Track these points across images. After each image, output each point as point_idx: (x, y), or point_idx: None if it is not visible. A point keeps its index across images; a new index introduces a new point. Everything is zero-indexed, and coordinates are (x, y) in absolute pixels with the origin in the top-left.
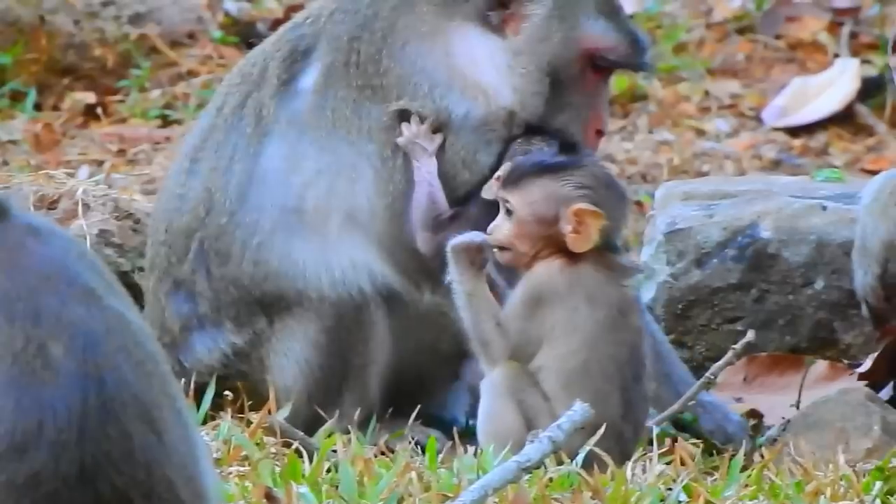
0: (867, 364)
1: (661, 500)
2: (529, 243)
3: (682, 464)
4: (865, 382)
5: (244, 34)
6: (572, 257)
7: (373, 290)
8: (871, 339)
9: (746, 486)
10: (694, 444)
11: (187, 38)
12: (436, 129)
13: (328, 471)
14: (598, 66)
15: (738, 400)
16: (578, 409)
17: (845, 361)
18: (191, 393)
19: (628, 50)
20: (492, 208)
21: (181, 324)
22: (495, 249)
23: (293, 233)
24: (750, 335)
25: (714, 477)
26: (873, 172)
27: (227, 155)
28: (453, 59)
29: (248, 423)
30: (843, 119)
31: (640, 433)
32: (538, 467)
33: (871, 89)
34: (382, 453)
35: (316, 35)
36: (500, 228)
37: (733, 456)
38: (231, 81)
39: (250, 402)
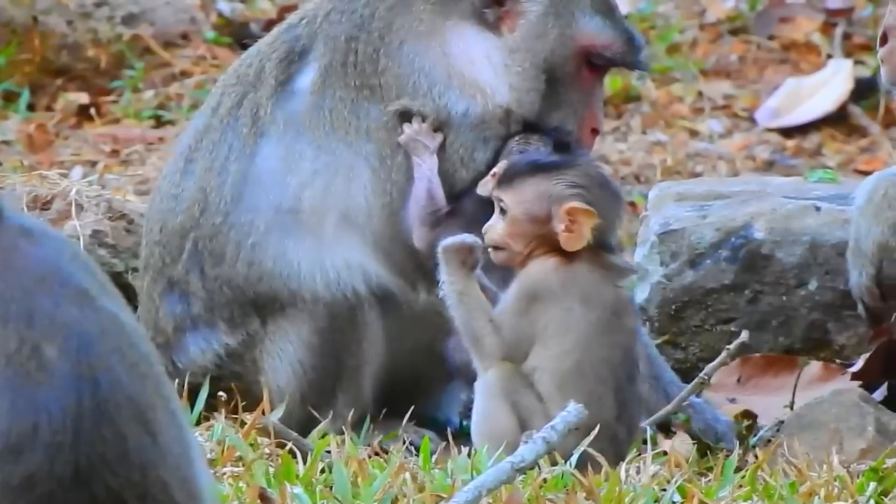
0: (859, 364)
1: (656, 501)
2: (523, 242)
3: (676, 465)
4: (859, 383)
5: (237, 35)
6: (567, 256)
7: (367, 290)
8: (864, 340)
9: (740, 486)
10: (692, 441)
11: (181, 38)
12: (436, 128)
13: (322, 471)
14: (594, 64)
15: (732, 401)
16: (572, 410)
17: (839, 362)
18: (184, 394)
19: (624, 48)
20: (487, 205)
21: (175, 324)
22: (490, 249)
23: (288, 233)
24: (744, 336)
25: (708, 478)
26: (867, 173)
27: (223, 155)
28: (450, 57)
29: (242, 423)
30: (837, 120)
31: (634, 434)
32: (532, 468)
33: (864, 90)
34: (376, 454)
35: (312, 35)
36: (495, 228)
37: (727, 457)
38: (227, 82)
39: (244, 403)
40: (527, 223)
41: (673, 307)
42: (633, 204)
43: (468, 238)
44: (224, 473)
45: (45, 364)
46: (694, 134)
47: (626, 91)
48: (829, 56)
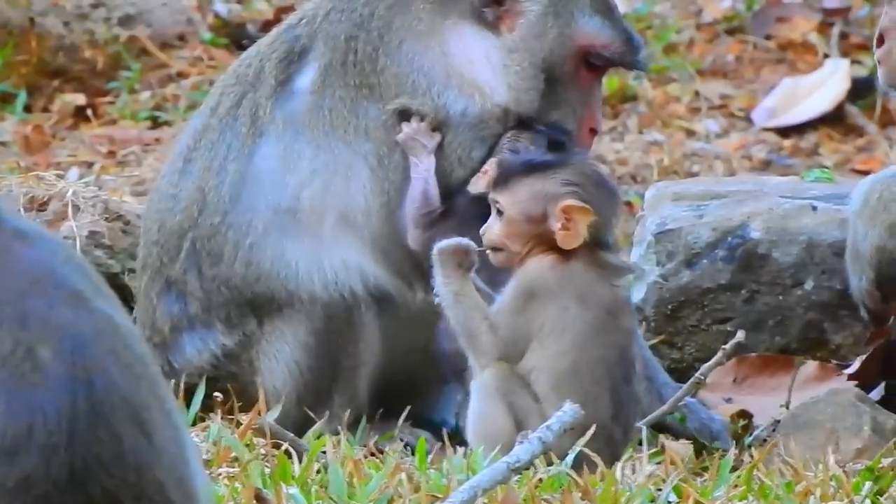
0: (856, 365)
1: (651, 501)
2: (520, 242)
3: (672, 464)
4: (855, 383)
5: (234, 36)
6: (564, 255)
7: (364, 291)
8: (860, 340)
9: (736, 486)
10: (687, 442)
11: (177, 39)
12: (434, 128)
13: (318, 472)
14: (593, 64)
15: (728, 400)
16: (568, 410)
17: (835, 362)
18: (180, 394)
19: (623, 48)
20: (480, 204)
21: (172, 324)
22: (488, 251)
23: (286, 233)
24: (740, 336)
25: (704, 477)
26: (863, 173)
27: (221, 155)
28: (449, 56)
29: (238, 424)
30: (834, 119)
31: (629, 434)
32: (528, 468)
33: (861, 90)
34: (372, 454)
35: (312, 35)
36: (492, 229)
37: (723, 456)
38: (226, 82)
39: (240, 404)
40: (523, 223)
41: (669, 307)
42: (629, 204)
43: (463, 241)
44: (220, 474)
45: (40, 366)
46: (690, 134)
47: (623, 91)
48: (826, 56)
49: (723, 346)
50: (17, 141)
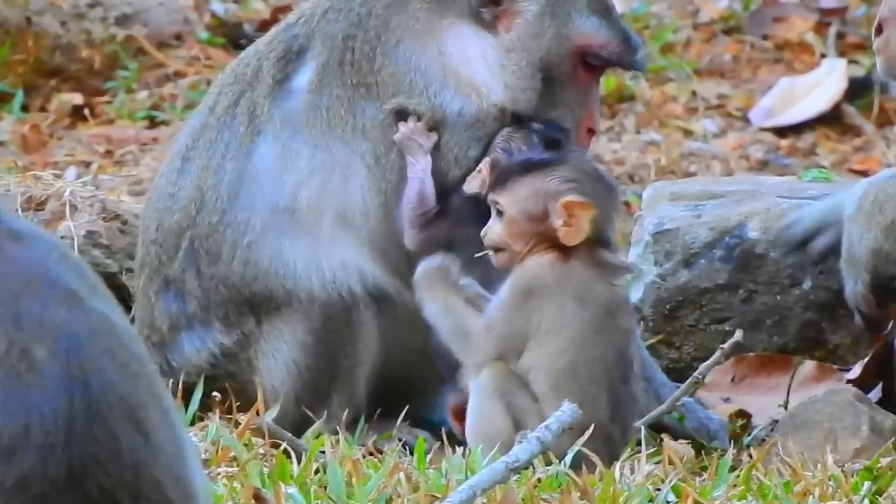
0: (856, 370)
1: (650, 501)
2: (522, 242)
3: (671, 464)
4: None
5: (231, 35)
6: (564, 253)
7: (362, 290)
8: (859, 340)
9: (735, 486)
10: (686, 442)
11: (174, 39)
12: (431, 127)
13: (316, 472)
14: (590, 64)
15: (727, 400)
16: (566, 410)
17: (833, 363)
18: (179, 393)
19: (620, 48)
20: (475, 203)
21: (170, 323)
22: (490, 252)
23: (284, 232)
24: (738, 335)
25: (702, 477)
26: (861, 173)
27: (219, 154)
28: (446, 56)
29: (237, 423)
30: (831, 119)
31: (628, 434)
32: (526, 468)
33: (858, 89)
34: (371, 454)
35: (309, 34)
36: (493, 229)
37: (721, 456)
38: (224, 81)
39: (238, 403)
40: (524, 222)
41: (667, 307)
42: (627, 204)
43: (445, 260)
44: (218, 473)
45: (35, 365)
46: (688, 133)
47: (620, 91)
48: (823, 55)
49: (721, 346)
50: (14, 140)
